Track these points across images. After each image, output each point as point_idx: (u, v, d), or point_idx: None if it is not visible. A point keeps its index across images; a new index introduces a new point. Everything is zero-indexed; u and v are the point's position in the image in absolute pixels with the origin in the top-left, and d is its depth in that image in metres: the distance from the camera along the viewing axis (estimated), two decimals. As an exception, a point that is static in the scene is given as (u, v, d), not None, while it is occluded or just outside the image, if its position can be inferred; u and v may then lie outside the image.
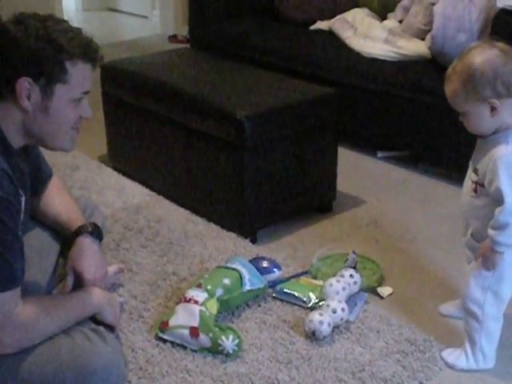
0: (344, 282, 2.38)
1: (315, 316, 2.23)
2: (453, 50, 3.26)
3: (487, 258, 2.00)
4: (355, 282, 2.42)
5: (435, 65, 3.41)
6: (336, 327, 2.27)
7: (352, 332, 2.29)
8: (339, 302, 2.29)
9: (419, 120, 3.41)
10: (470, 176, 2.06)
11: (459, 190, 2.16)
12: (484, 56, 1.90)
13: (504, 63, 1.89)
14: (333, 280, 2.38)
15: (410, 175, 3.50)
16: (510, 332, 2.20)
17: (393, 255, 2.76)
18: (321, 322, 2.21)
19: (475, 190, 2.02)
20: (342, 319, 2.28)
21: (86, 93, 1.81)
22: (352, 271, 2.44)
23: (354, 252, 2.57)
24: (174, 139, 3.01)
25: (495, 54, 1.90)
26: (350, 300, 2.38)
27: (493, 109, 1.92)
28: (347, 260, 2.53)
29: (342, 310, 2.27)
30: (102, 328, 1.92)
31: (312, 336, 2.23)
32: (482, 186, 1.98)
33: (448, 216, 3.00)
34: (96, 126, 3.47)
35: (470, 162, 2.09)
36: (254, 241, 2.82)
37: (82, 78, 1.76)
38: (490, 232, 1.95)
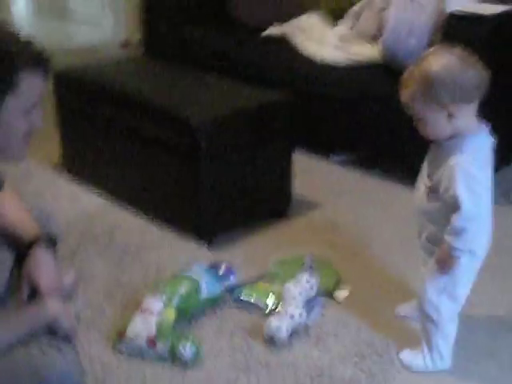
0: (301, 287, 2.38)
1: (272, 322, 2.23)
2: (404, 54, 3.30)
3: (444, 262, 2.02)
4: (312, 287, 2.43)
5: (387, 69, 3.44)
6: (294, 332, 2.28)
7: (310, 336, 2.30)
8: (296, 306, 2.30)
9: (372, 124, 3.44)
10: (424, 180, 2.08)
11: (413, 191, 2.18)
12: (443, 62, 1.91)
13: (462, 69, 1.90)
14: (290, 285, 2.38)
15: (364, 178, 3.52)
16: (465, 332, 2.23)
17: (349, 258, 2.78)
18: (278, 328, 2.21)
19: (429, 195, 2.03)
20: (299, 324, 2.28)
21: (38, 103, 1.78)
22: (308, 276, 2.45)
23: (309, 256, 2.58)
24: (129, 147, 2.99)
25: (454, 60, 1.91)
26: (308, 304, 2.39)
27: (450, 114, 1.93)
28: (304, 264, 2.54)
29: (300, 314, 2.28)
30: (58, 339, 1.89)
31: (270, 342, 2.23)
32: (436, 191, 2.00)
33: (403, 218, 3.02)
34: (49, 134, 3.43)
35: (424, 166, 2.11)
36: (210, 247, 2.81)
37: (32, 88, 1.74)
38: (447, 238, 1.97)
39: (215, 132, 2.69)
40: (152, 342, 2.14)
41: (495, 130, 3.13)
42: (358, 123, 3.50)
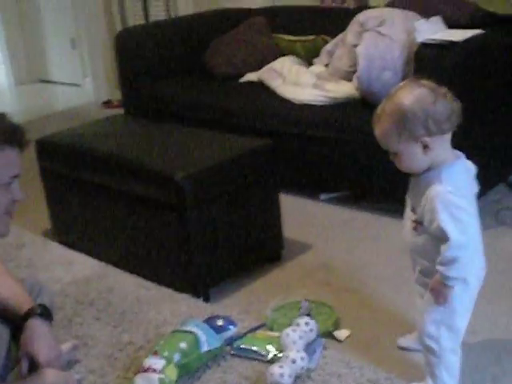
0: (300, 331, 2.37)
1: (275, 369, 2.21)
2: (380, 88, 3.33)
3: (438, 293, 2.02)
4: (311, 329, 2.41)
5: (365, 104, 3.48)
6: (298, 377, 2.26)
7: (314, 380, 2.27)
8: (297, 351, 2.29)
9: (356, 159, 3.47)
10: (409, 214, 2.09)
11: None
12: (413, 95, 1.93)
13: (433, 101, 1.92)
14: (289, 330, 2.37)
15: (353, 214, 3.54)
16: (469, 358, 2.23)
17: (346, 297, 2.78)
18: (281, 375, 2.19)
19: (415, 229, 2.04)
20: (302, 368, 2.27)
21: (16, 176, 1.80)
22: (307, 319, 2.43)
23: (306, 299, 2.57)
24: (116, 207, 3.00)
25: (424, 92, 1.93)
26: (309, 347, 2.38)
27: (425, 147, 1.94)
28: (301, 308, 2.54)
29: (302, 359, 2.26)
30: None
31: (275, 389, 2.21)
32: (422, 224, 2.01)
33: (395, 251, 3.03)
34: (37, 201, 3.45)
35: (407, 200, 2.12)
36: (207, 300, 2.81)
37: (9, 162, 1.76)
38: (439, 268, 1.96)
39: (200, 184, 2.70)
40: (156, 402, 2.13)
41: (472, 156, 3.15)
42: (343, 160, 3.53)
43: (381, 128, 1.99)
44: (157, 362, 2.22)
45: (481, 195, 3.36)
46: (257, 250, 3.02)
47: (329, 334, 2.51)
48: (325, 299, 2.71)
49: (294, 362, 2.25)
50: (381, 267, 2.98)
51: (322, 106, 3.65)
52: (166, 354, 2.26)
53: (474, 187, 2.09)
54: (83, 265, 3.18)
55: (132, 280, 3.00)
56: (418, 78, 2.02)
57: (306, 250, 3.21)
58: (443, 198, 1.93)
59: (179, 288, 2.85)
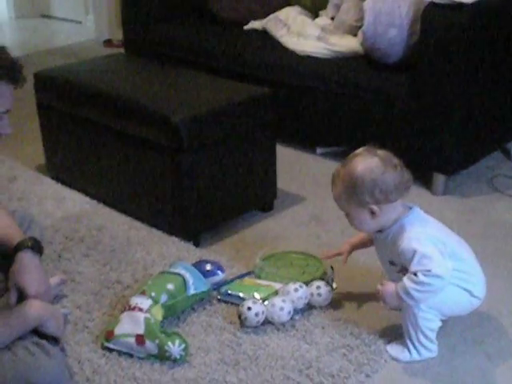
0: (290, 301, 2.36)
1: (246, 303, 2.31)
2: (384, 45, 3.30)
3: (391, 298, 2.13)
4: (299, 298, 2.40)
5: (368, 60, 3.45)
6: (282, 325, 2.29)
7: (298, 329, 2.31)
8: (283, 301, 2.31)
9: (355, 115, 3.45)
10: (389, 271, 2.21)
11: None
12: (365, 164, 2.06)
13: (383, 172, 2.04)
14: (278, 301, 2.35)
15: (349, 170, 3.52)
16: (450, 321, 2.25)
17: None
18: (249, 308, 2.28)
19: (405, 275, 2.08)
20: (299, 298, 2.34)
21: (7, 112, 1.81)
22: (297, 285, 2.41)
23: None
24: (111, 146, 2.99)
25: (375, 162, 2.05)
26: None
27: (372, 213, 2.07)
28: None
29: (282, 307, 2.30)
30: (45, 342, 1.91)
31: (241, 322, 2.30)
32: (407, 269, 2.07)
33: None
34: (32, 136, 3.44)
35: (380, 260, 2.26)
36: (196, 244, 2.82)
37: (3, 97, 1.76)
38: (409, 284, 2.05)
39: (197, 128, 2.69)
40: (141, 340, 2.15)
41: (469, 121, 3.15)
42: (342, 115, 3.51)
43: (335, 190, 2.14)
44: (143, 302, 2.24)
45: (475, 161, 3.38)
46: (250, 198, 3.01)
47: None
48: (314, 251, 2.72)
49: (272, 306, 2.29)
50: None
51: (324, 59, 3.61)
52: (153, 294, 2.28)
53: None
54: (75, 201, 3.19)
55: (123, 219, 3.01)
56: (375, 147, 2.13)
57: (298, 202, 3.21)
58: (415, 237, 2.05)
59: (170, 231, 2.86)
